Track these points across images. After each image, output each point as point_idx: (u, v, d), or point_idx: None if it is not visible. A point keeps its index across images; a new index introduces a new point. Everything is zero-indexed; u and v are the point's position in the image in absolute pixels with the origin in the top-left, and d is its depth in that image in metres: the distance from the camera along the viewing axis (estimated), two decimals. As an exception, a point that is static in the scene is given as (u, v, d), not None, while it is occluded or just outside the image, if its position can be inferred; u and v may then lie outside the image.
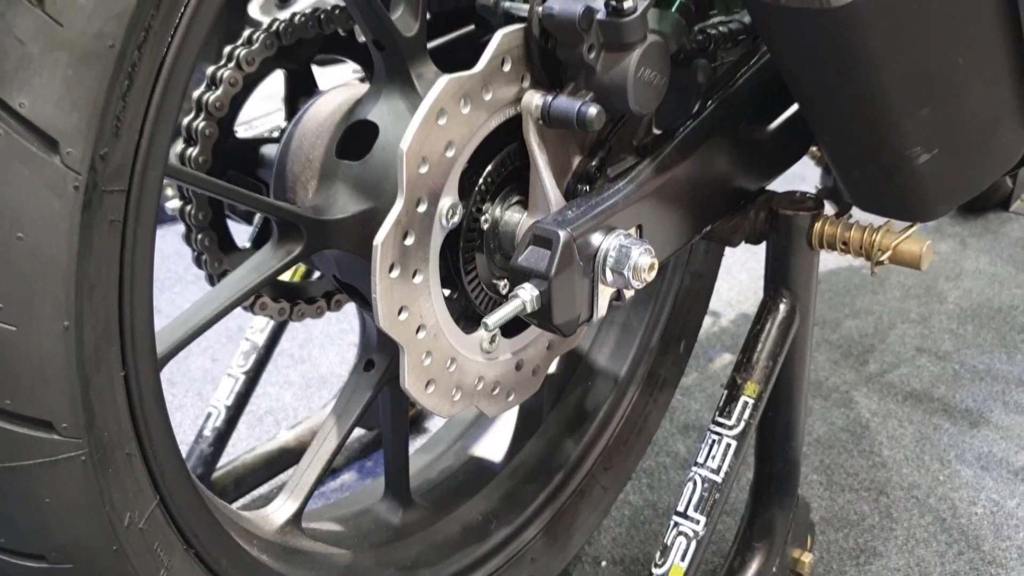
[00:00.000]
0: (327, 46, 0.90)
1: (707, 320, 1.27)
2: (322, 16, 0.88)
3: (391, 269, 0.70)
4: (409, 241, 0.71)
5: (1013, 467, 1.36)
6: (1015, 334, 1.73)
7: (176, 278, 1.88)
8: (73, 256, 0.50)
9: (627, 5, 0.71)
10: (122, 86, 0.50)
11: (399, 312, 0.72)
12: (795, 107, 0.91)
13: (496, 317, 0.69)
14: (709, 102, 0.85)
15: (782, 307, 0.89)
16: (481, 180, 0.77)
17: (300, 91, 0.90)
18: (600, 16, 0.72)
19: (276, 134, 0.91)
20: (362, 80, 0.96)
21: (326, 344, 1.66)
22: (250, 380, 1.17)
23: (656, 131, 0.86)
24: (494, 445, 1.02)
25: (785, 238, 0.88)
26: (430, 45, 0.80)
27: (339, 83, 0.91)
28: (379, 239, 0.69)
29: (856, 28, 0.68)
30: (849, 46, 0.70)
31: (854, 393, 1.54)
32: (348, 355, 1.60)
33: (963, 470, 1.35)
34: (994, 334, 1.73)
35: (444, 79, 0.70)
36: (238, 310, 0.77)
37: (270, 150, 0.87)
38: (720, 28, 0.83)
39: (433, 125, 0.70)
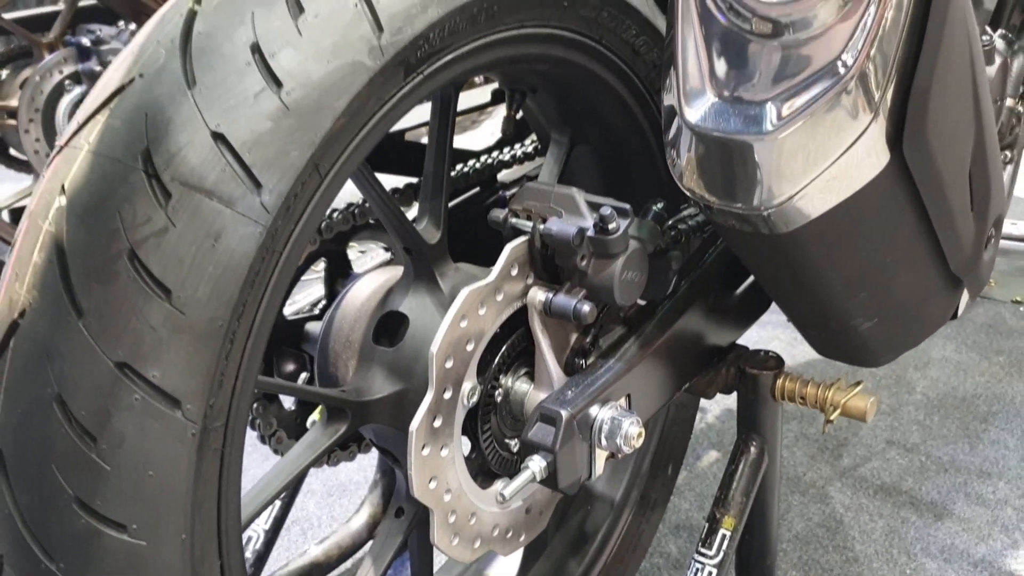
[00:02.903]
0: (361, 233, 1.06)
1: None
2: (356, 211, 1.04)
3: (423, 448, 0.85)
4: (437, 423, 0.86)
5: (973, 558, 1.50)
6: (977, 424, 1.88)
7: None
8: (190, 485, 0.65)
9: (611, 226, 0.87)
10: (225, 350, 0.65)
11: (430, 482, 0.87)
12: (757, 275, 1.07)
13: (511, 488, 0.84)
14: (683, 281, 1.00)
15: (752, 450, 1.04)
16: (495, 362, 0.92)
17: (338, 273, 1.05)
18: (590, 234, 0.88)
19: (316, 311, 1.06)
20: (390, 261, 1.12)
21: (343, 449, 1.79)
22: (285, 505, 1.31)
23: (640, 302, 1.02)
24: (506, 567, 1.16)
25: (752, 392, 1.03)
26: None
27: (372, 266, 1.07)
28: (413, 426, 0.84)
29: (799, 247, 0.84)
30: (794, 258, 0.86)
31: (829, 488, 1.68)
32: (364, 463, 1.74)
33: (928, 563, 1.49)
34: (958, 424, 1.88)
35: (465, 291, 0.86)
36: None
37: (314, 327, 1.02)
38: (689, 222, 0.99)
39: (456, 328, 0.85)
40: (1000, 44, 1.55)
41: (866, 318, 0.95)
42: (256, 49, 0.66)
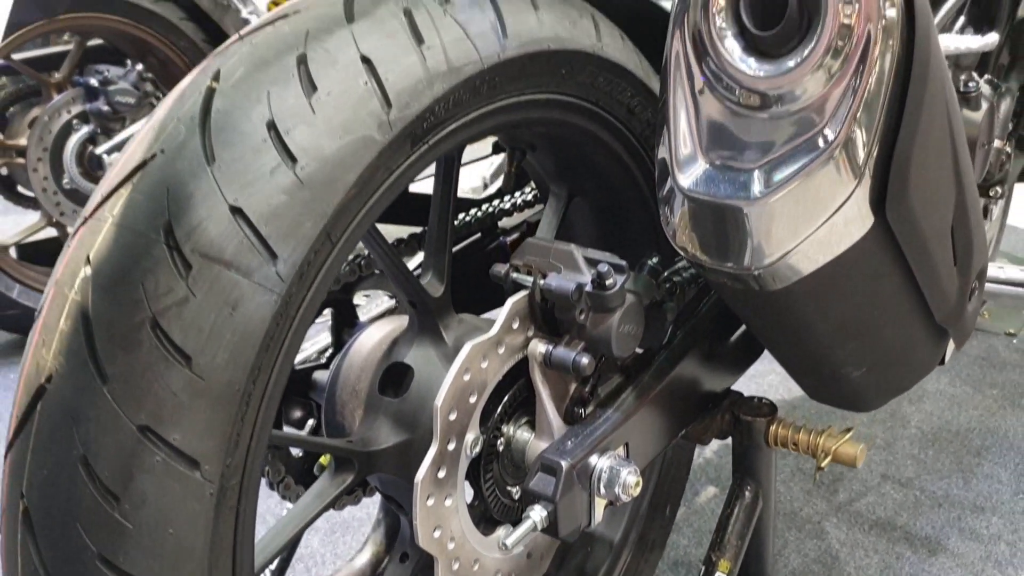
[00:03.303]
0: (367, 283, 1.09)
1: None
2: (363, 263, 1.08)
3: (428, 499, 0.88)
4: (442, 474, 0.89)
5: (967, 594, 1.52)
6: (971, 458, 1.91)
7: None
8: (208, 541, 0.68)
9: (608, 282, 0.90)
10: (241, 412, 0.69)
11: (434, 531, 0.90)
12: (751, 322, 1.11)
13: (513, 538, 0.87)
14: (678, 331, 1.04)
15: (747, 494, 1.07)
16: (497, 412, 0.95)
17: (344, 322, 1.09)
18: (588, 289, 0.91)
19: (323, 359, 1.09)
20: (394, 309, 1.15)
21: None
22: (292, 545, 1.33)
23: (638, 350, 1.05)
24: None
25: (747, 438, 1.06)
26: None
27: (377, 313, 1.11)
28: (418, 477, 0.87)
29: (789, 302, 0.87)
30: (785, 313, 0.89)
31: (825, 523, 1.71)
32: (367, 501, 1.76)
33: (922, 599, 1.52)
34: (952, 458, 1.91)
35: (468, 346, 0.89)
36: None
37: (321, 376, 1.05)
38: (683, 274, 1.03)
39: (460, 381, 0.89)
40: (986, 90, 1.60)
41: (856, 367, 0.98)
42: (272, 126, 0.70)
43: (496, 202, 1.31)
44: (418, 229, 1.20)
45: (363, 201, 0.75)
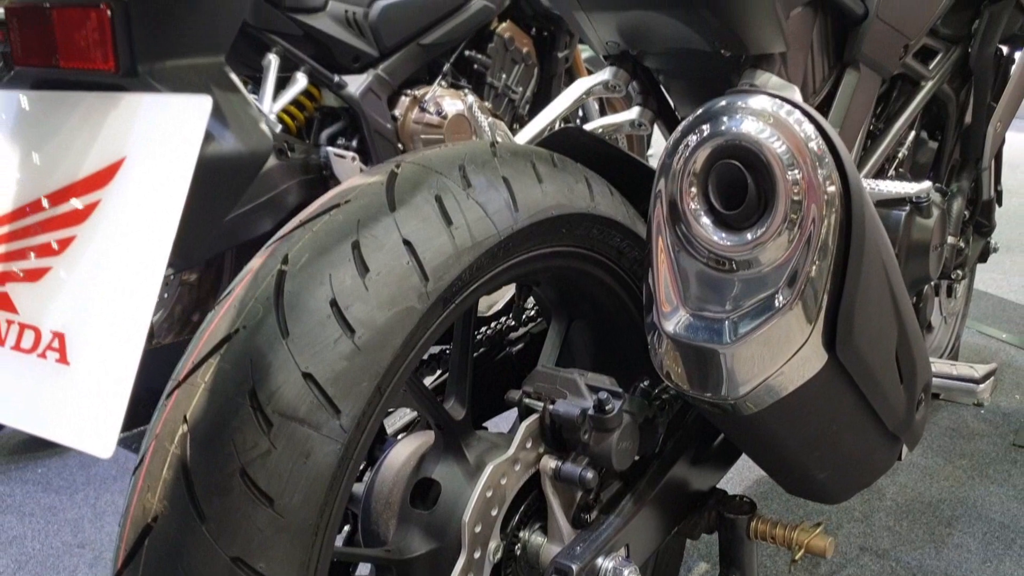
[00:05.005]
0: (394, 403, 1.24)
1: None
2: (389, 387, 1.23)
3: (459, 601, 1.02)
4: (469, 579, 1.04)
5: (940, 661, 1.66)
6: (942, 528, 2.06)
7: None
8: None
9: (608, 407, 1.06)
10: (312, 541, 0.83)
11: (464, 629, 1.04)
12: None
13: (533, 634, 1.01)
14: (668, 440, 1.20)
15: (733, 582, 1.22)
16: (514, 521, 1.10)
17: (375, 439, 1.24)
18: (590, 413, 1.07)
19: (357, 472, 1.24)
20: (417, 419, 1.31)
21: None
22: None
23: (636, 457, 1.21)
24: None
25: (731, 533, 1.21)
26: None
27: (401, 427, 1.26)
28: (450, 584, 1.01)
29: (761, 423, 1.03)
30: (757, 431, 1.05)
31: (809, 597, 1.85)
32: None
33: (900, 667, 1.65)
34: (925, 529, 2.06)
35: (490, 467, 1.04)
36: None
37: (357, 488, 1.20)
38: (670, 392, 1.19)
39: (484, 498, 1.04)
40: (936, 197, 1.78)
41: (821, 471, 1.14)
42: (334, 304, 0.86)
43: (503, 319, 1.47)
44: (438, 349, 1.36)
45: (406, 358, 0.90)
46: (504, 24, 3.15)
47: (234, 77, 0.84)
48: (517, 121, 3.28)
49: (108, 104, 0.70)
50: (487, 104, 3.07)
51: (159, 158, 0.68)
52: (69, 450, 2.42)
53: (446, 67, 2.97)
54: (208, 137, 0.71)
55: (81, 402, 0.74)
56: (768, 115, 0.91)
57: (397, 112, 2.83)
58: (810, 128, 0.91)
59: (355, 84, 2.69)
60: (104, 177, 0.67)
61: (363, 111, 2.69)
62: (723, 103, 0.93)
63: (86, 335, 0.69)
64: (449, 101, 2.85)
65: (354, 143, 2.72)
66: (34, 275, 0.66)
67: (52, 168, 0.70)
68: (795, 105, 0.92)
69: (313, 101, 2.67)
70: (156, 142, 0.69)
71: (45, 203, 0.67)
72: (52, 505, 2.19)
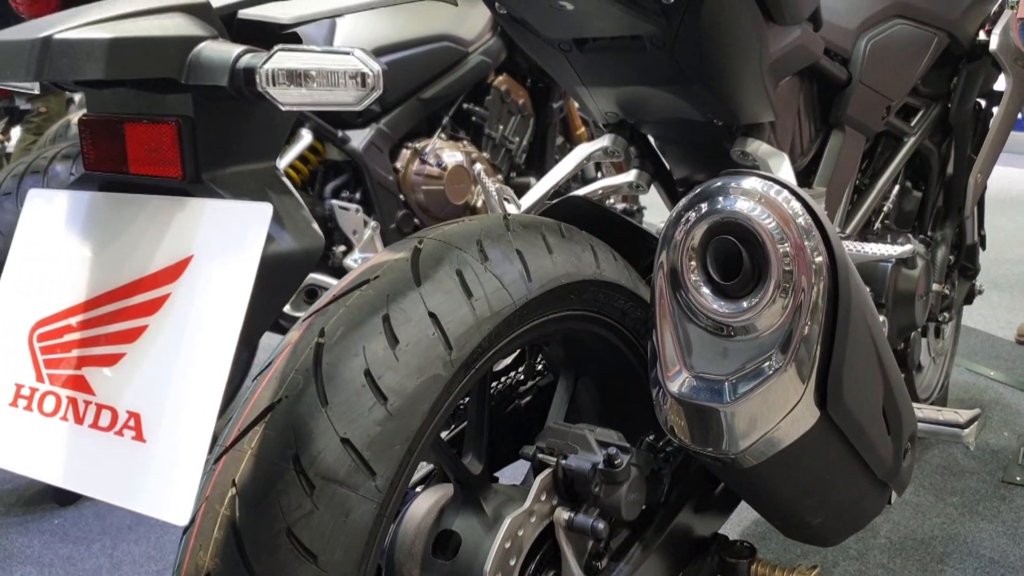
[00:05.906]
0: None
1: None
2: (409, 443, 1.31)
3: (481, 647, 1.09)
4: (490, 626, 1.11)
5: None
6: (935, 564, 2.13)
7: None
8: None
9: (616, 462, 1.14)
10: (351, 594, 0.91)
11: (487, 672, 1.10)
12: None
13: None
14: (673, 489, 1.27)
15: (736, 623, 1.29)
16: (531, 570, 1.17)
17: (395, 492, 1.31)
18: (600, 467, 1.15)
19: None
20: (434, 470, 1.38)
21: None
22: None
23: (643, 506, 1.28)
24: None
25: (733, 576, 1.28)
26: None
27: (420, 478, 1.33)
28: (474, 630, 1.08)
29: (759, 475, 1.11)
30: (755, 481, 1.13)
31: (808, 634, 1.91)
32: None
33: None
34: (917, 566, 2.12)
35: (508, 520, 1.12)
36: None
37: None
38: (675, 443, 1.27)
39: (503, 549, 1.11)
40: (921, 249, 1.87)
41: (815, 516, 1.22)
42: (368, 374, 0.94)
43: (512, 374, 1.55)
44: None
45: (433, 420, 0.98)
46: (501, 77, 3.26)
47: (286, 180, 0.93)
48: (514, 170, 3.38)
49: (175, 207, 0.78)
50: (485, 155, 3.17)
51: (225, 257, 0.75)
52: (84, 500, 2.48)
53: (445, 120, 3.07)
54: (268, 238, 0.79)
55: (158, 475, 0.81)
56: (759, 195, 1.00)
57: (399, 164, 2.92)
58: (797, 205, 1.01)
59: (358, 139, 2.79)
60: (174, 273, 0.74)
61: (366, 164, 2.79)
62: (719, 184, 1.03)
63: (161, 415, 0.76)
64: (449, 153, 2.95)
65: (357, 195, 2.81)
66: (109, 360, 0.74)
67: (123, 263, 0.77)
68: (783, 185, 1.01)
69: (317, 155, 2.77)
70: (221, 243, 0.76)
71: (118, 295, 0.74)
72: (70, 555, 2.24)
